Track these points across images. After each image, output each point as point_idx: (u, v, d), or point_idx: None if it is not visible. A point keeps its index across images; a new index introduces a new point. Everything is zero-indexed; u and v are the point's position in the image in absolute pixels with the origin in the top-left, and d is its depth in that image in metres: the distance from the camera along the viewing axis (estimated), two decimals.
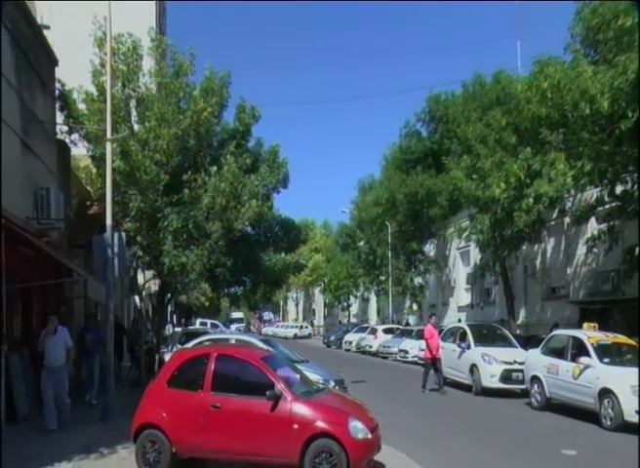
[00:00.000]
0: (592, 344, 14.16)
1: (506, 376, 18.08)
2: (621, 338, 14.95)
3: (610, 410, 12.87)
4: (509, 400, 17.57)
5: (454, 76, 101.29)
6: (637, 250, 19.46)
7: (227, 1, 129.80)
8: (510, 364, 18.19)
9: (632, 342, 14.74)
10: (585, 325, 16.01)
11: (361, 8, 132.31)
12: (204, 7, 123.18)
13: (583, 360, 13.87)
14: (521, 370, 17.64)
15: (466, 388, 18.84)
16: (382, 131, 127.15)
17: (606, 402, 12.98)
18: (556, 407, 15.03)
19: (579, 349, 14.43)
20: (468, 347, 19.45)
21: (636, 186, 17.94)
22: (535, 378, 15.78)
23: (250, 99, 22.82)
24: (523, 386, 17.57)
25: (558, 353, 15.27)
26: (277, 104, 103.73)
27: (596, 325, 15.84)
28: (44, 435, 10.85)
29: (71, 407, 12.13)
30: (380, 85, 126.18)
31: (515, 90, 20.28)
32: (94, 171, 19.46)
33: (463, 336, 20.16)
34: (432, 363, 18.81)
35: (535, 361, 16.09)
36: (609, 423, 12.85)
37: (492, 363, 18.29)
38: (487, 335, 20.69)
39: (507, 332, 21.47)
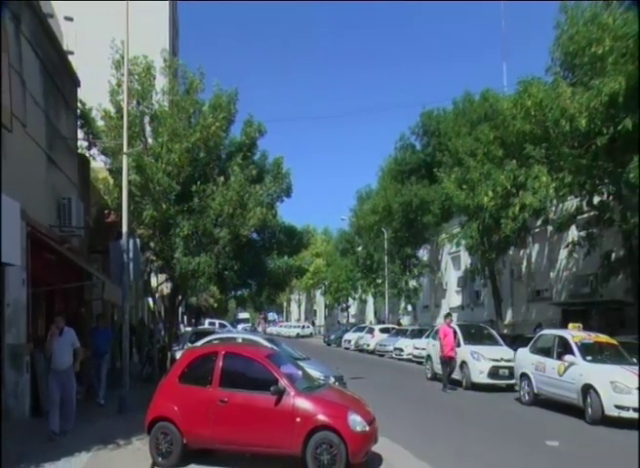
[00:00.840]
0: (576, 343, 14.10)
1: (494, 372, 18.25)
2: (603, 338, 14.89)
3: (591, 405, 12.78)
4: (498, 394, 17.59)
5: (445, 94, 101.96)
6: (613, 255, 19.54)
7: (235, 22, 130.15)
8: (497, 361, 18.40)
9: (613, 341, 14.68)
10: (570, 325, 15.84)
11: (363, 33, 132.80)
12: (215, 26, 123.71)
13: (568, 358, 13.80)
14: (507, 367, 17.99)
15: (456, 383, 18.81)
16: (379, 144, 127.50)
17: (588, 397, 12.89)
18: (544, 402, 14.88)
19: (564, 348, 14.33)
20: (458, 345, 19.35)
21: (611, 197, 18.00)
22: (524, 375, 15.63)
23: (256, 113, 23.01)
24: (509, 381, 17.92)
25: (545, 352, 15.13)
26: (282, 119, 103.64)
27: (580, 325, 15.75)
28: (48, 439, 9.92)
29: (83, 404, 11.62)
30: (378, 101, 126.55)
31: (501, 107, 20.46)
32: (111, 182, 19.57)
33: (454, 336, 19.87)
34: (447, 361, 18.33)
35: (524, 359, 15.97)
36: (591, 417, 12.76)
37: (480, 360, 18.44)
38: (475, 334, 20.77)
39: (494, 332, 21.52)
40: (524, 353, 16.16)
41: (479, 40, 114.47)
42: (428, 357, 21.83)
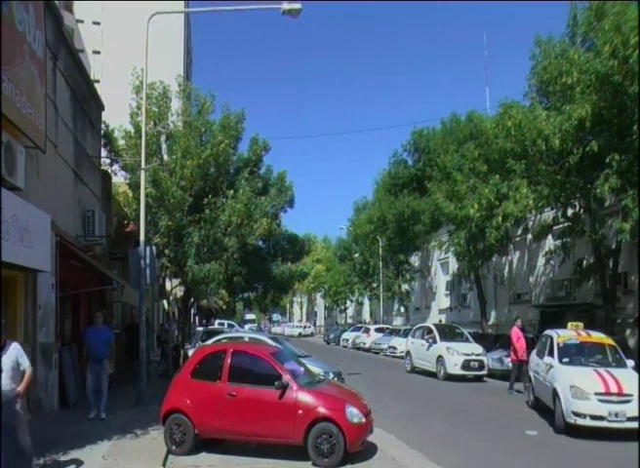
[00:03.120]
0: (559, 344, 12.33)
1: (466, 365, 19.31)
2: (596, 338, 12.60)
3: (555, 411, 10.99)
4: (472, 384, 18.71)
5: (434, 115, 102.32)
6: (584, 263, 19.63)
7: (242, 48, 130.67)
8: (469, 355, 19.48)
9: (608, 341, 12.44)
10: (570, 324, 13.60)
11: (362, 58, 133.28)
12: (224, 46, 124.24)
13: (547, 359, 12.30)
14: (477, 360, 19.41)
15: (432, 375, 20.15)
16: (374, 159, 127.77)
17: (556, 401, 11.03)
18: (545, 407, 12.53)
19: (550, 348, 12.64)
20: (434, 342, 20.56)
21: (582, 210, 18.15)
22: (529, 379, 14.00)
23: (262, 131, 23.21)
24: (478, 372, 19.32)
25: (540, 353, 13.42)
26: (286, 137, 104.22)
27: (580, 324, 13.50)
28: (86, 421, 10.56)
29: (108, 396, 11.42)
30: (373, 121, 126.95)
31: (485, 127, 20.62)
32: (130, 195, 19.72)
33: (429, 333, 21.42)
34: (519, 365, 16.44)
35: (531, 361, 14.13)
36: (556, 424, 10.92)
37: (454, 354, 19.48)
38: (448, 333, 21.85)
39: (464, 330, 22.36)
40: (533, 355, 14.13)
41: (464, 67, 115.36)
42: (407, 353, 23.02)
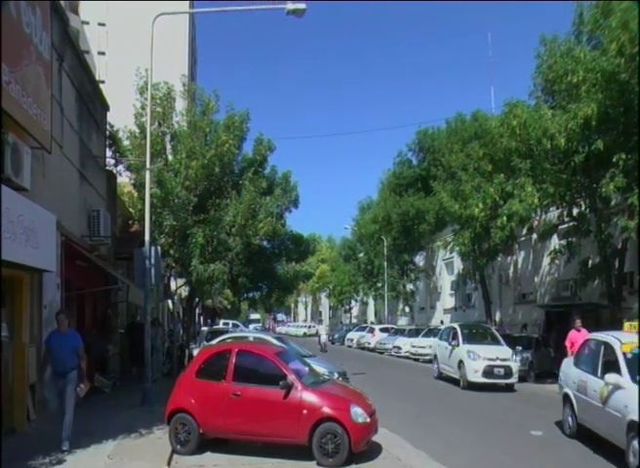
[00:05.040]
0: (624, 354, 8.82)
1: (488, 371, 17.08)
2: None
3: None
4: (496, 393, 16.53)
5: (439, 114, 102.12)
6: (590, 262, 19.56)
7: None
8: (493, 360, 17.19)
9: None
10: (627, 324, 10.82)
11: (367, 60, 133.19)
12: (229, 47, 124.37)
13: (610, 377, 8.54)
14: (502, 366, 17.04)
15: (455, 382, 18.20)
16: (379, 159, 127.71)
17: (635, 443, 7.59)
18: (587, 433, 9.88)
19: (609, 361, 9.15)
20: (457, 345, 18.42)
21: (588, 209, 18.09)
22: (566, 398, 10.68)
23: (268, 132, 23.19)
24: (506, 380, 17.02)
25: (589, 365, 9.95)
26: (292, 137, 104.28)
27: (637, 324, 10.57)
28: (92, 420, 10.03)
29: (109, 394, 11.02)
30: (378, 121, 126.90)
31: (490, 126, 20.56)
32: (135, 195, 19.73)
33: (455, 335, 19.19)
34: None
35: (567, 374, 11.03)
36: None
37: (476, 359, 17.26)
38: (476, 334, 19.66)
39: (495, 332, 20.27)
40: (568, 365, 11.25)
41: (470, 67, 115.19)
42: (435, 357, 21.02)
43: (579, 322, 15.10)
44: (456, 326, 19.90)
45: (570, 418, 10.39)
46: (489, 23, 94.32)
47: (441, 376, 19.42)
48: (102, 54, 40.88)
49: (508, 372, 17.11)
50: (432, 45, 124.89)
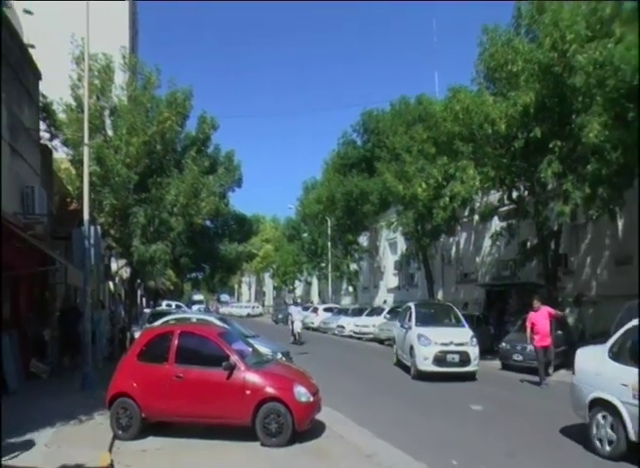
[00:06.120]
0: None
1: (441, 359, 14.64)
2: None
3: None
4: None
5: (384, 97, 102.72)
6: (528, 244, 20.30)
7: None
8: (446, 345, 14.75)
9: None
10: None
11: (308, 37, 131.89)
12: (172, 26, 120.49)
13: None
14: (458, 352, 14.66)
15: (408, 370, 15.99)
16: (323, 140, 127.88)
17: None
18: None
19: None
20: (409, 328, 16.06)
21: (527, 193, 18.74)
22: (600, 405, 7.69)
23: (210, 110, 22.80)
24: (460, 369, 14.61)
25: (619, 356, 7.67)
26: (235, 116, 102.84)
27: None
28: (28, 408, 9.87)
29: (47, 381, 10.69)
30: (324, 102, 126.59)
31: (434, 110, 21.00)
32: (73, 172, 19.07)
33: (410, 317, 16.62)
34: (541, 351, 14.11)
35: (598, 370, 7.90)
36: None
37: (427, 344, 14.81)
38: (434, 315, 17.30)
39: (457, 311, 17.34)
40: (595, 355, 8.24)
41: (415, 52, 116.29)
42: (394, 341, 18.56)
43: (537, 302, 14.48)
44: (411, 305, 17.45)
45: (616, 434, 7.38)
46: (434, 10, 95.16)
47: (400, 363, 17.22)
48: (29, 13, 37.67)
49: (465, 359, 14.71)
50: (379, 29, 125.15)
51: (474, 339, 15.18)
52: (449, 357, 14.69)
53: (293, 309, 28.24)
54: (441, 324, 16.43)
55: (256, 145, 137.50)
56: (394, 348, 18.23)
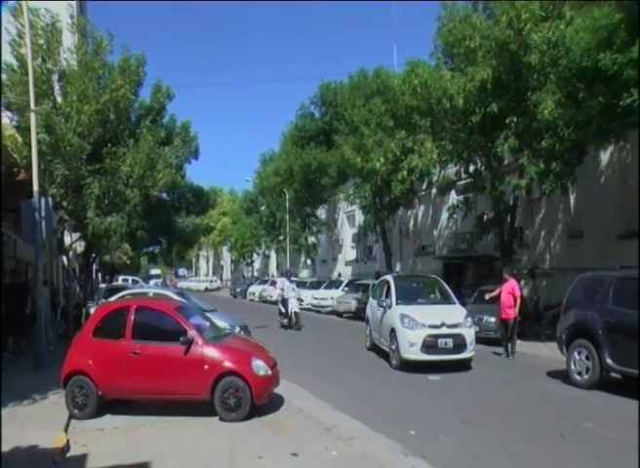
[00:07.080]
0: None
1: (431, 344, 11.91)
2: None
3: None
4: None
5: (342, 68, 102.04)
6: (485, 217, 20.69)
7: None
8: (437, 327, 12.05)
9: None
10: None
11: (267, 9, 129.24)
12: None
13: None
14: (451, 335, 11.95)
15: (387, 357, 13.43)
16: (282, 112, 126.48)
17: None
18: None
19: None
20: (389, 306, 13.29)
21: (483, 167, 19.01)
22: None
23: (165, 79, 22.14)
24: (455, 356, 12.01)
25: None
26: (191, 85, 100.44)
27: None
28: None
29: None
30: (281, 73, 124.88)
31: (392, 83, 21.05)
32: (19, 140, 18.14)
33: (388, 293, 13.79)
34: (503, 324, 13.77)
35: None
36: None
37: (413, 327, 12.08)
38: (417, 290, 14.57)
39: (445, 285, 14.50)
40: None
41: (374, 25, 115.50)
42: (367, 322, 15.66)
43: (506, 274, 13.92)
44: (389, 278, 14.63)
45: None
46: None
47: (375, 348, 14.68)
48: None
49: (460, 344, 12.02)
50: (337, 1, 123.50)
51: (469, 319, 12.58)
52: (440, 342, 11.91)
53: (286, 284, 22.37)
54: (427, 301, 13.70)
55: (213, 117, 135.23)
56: (367, 329, 15.45)
